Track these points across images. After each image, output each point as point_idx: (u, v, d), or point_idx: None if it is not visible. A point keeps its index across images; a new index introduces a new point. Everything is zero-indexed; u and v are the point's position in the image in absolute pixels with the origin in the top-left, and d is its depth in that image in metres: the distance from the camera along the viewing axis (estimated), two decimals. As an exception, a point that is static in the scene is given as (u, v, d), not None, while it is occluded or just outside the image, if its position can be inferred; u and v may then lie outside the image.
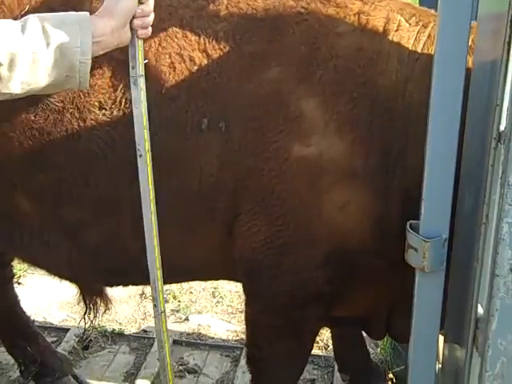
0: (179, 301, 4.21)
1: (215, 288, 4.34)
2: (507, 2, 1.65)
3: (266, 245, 2.24)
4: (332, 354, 3.43)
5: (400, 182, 2.13)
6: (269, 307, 2.40)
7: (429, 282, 1.94)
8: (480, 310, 1.86)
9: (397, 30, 2.21)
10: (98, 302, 2.99)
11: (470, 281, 1.91)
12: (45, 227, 2.40)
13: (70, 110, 2.23)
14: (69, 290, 4.19)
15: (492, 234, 1.74)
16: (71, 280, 2.84)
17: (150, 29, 2.00)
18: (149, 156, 2.07)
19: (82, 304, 3.69)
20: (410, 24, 2.22)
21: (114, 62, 2.18)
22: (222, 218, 2.28)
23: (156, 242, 2.17)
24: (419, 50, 2.16)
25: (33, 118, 2.24)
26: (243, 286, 2.46)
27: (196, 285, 4.36)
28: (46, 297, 4.10)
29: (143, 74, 2.03)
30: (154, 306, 2.29)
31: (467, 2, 1.72)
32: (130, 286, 4.02)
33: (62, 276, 2.77)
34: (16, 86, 1.76)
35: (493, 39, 1.79)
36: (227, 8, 2.26)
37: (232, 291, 4.27)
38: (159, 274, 2.23)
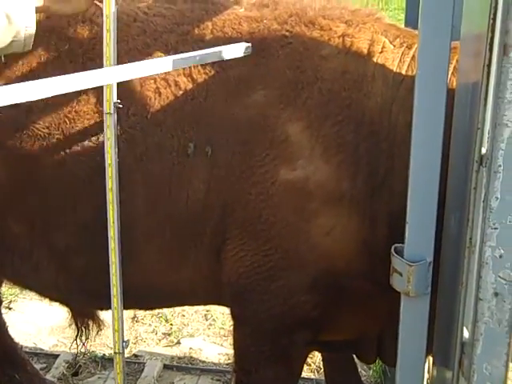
0: (171, 324, 4.20)
1: (207, 311, 4.33)
2: (486, 22, 1.67)
3: (254, 269, 2.26)
4: (323, 377, 3.42)
5: (387, 205, 2.15)
6: (256, 332, 2.41)
7: (413, 307, 1.93)
8: (466, 334, 1.86)
9: (381, 52, 2.25)
10: (90, 325, 3.00)
11: (456, 304, 1.91)
12: (34, 250, 2.44)
13: (56, 136, 2.25)
14: (59, 315, 4.22)
15: (476, 257, 1.74)
16: (61, 302, 2.86)
17: None
18: (113, 192, 2.12)
19: (73, 328, 3.72)
20: (394, 46, 2.26)
21: (99, 88, 2.20)
22: (210, 243, 2.31)
23: (116, 278, 2.19)
24: (404, 72, 2.19)
25: (18, 144, 2.26)
26: (231, 311, 2.49)
27: (188, 307, 4.35)
28: (36, 322, 4.09)
29: (111, 112, 2.07)
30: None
31: (447, 21, 1.74)
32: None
33: (51, 298, 2.81)
34: None
35: (474, 61, 1.81)
36: (212, 32, 2.30)
37: (224, 313, 4.26)
38: (117, 312, 2.25)
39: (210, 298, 2.58)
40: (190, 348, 3.92)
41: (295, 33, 2.26)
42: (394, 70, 2.20)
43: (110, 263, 2.15)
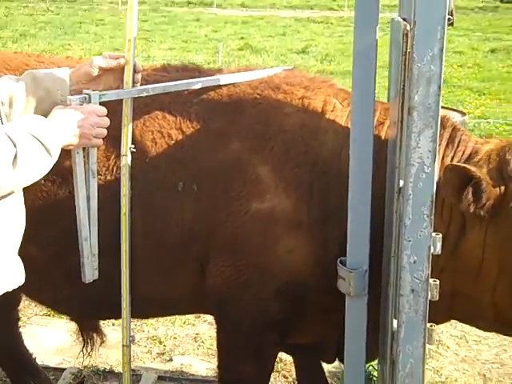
0: (164, 345, 4.64)
1: (197, 334, 4.79)
2: (399, 91, 2.25)
3: (231, 281, 2.75)
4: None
5: (337, 230, 2.61)
6: (233, 333, 2.90)
7: (354, 304, 2.48)
8: (395, 325, 2.38)
9: (332, 111, 2.78)
10: (95, 337, 3.47)
11: (388, 302, 2.46)
12: (51, 270, 2.86)
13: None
14: (63, 337, 4.71)
15: (397, 263, 2.28)
16: (72, 314, 3.33)
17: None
18: (126, 217, 2.63)
19: (77, 346, 4.22)
20: (342, 106, 2.79)
21: (108, 137, 2.69)
22: (196, 261, 2.79)
23: (127, 290, 2.68)
24: (349, 126, 2.72)
25: (43, 182, 2.69)
26: (214, 316, 2.99)
27: (180, 331, 4.84)
28: (43, 344, 4.48)
29: (127, 154, 2.60)
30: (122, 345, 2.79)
31: (371, 90, 2.32)
32: (120, 332, 4.54)
33: (63, 311, 3.29)
34: None
35: (395, 118, 2.39)
36: (198, 95, 2.83)
37: (212, 336, 4.71)
38: (126, 313, 2.72)
39: (197, 306, 3.06)
40: (181, 364, 4.38)
41: (264, 95, 2.80)
42: (343, 124, 2.72)
43: (122, 274, 2.64)
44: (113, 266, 2.67)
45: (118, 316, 2.88)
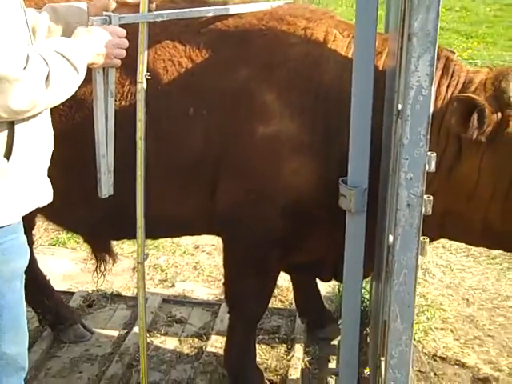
0: (166, 273, 4.87)
1: (196, 262, 5.03)
2: (399, 20, 2.42)
3: (239, 201, 2.96)
4: (294, 308, 4.18)
5: (338, 151, 2.80)
6: (239, 248, 3.13)
7: (355, 220, 2.69)
8: (390, 239, 2.59)
9: (334, 41, 2.95)
10: (107, 258, 3.67)
11: (385, 219, 2.67)
12: (70, 191, 3.02)
13: (89, 99, 2.82)
14: (70, 266, 4.93)
15: (395, 180, 2.47)
16: (89, 236, 3.55)
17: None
18: (141, 141, 2.78)
19: (82, 276, 4.48)
20: (343, 36, 2.96)
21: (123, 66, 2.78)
22: (207, 182, 2.98)
23: (141, 209, 2.85)
24: (349, 55, 2.89)
25: (61, 106, 2.70)
26: (222, 236, 3.21)
27: (180, 260, 5.07)
28: (50, 271, 4.58)
29: (143, 81, 2.73)
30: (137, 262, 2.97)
31: (373, 19, 2.48)
32: (124, 262, 4.76)
33: (82, 233, 3.50)
34: None
35: (395, 46, 2.56)
36: (207, 25, 2.99)
37: (211, 265, 4.97)
38: (141, 232, 2.89)
39: (205, 228, 3.28)
40: (183, 289, 4.62)
41: (269, 26, 2.96)
42: (343, 53, 2.90)
43: (137, 195, 2.81)
44: (127, 186, 2.82)
45: (130, 235, 3.08)
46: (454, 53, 6.18)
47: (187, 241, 5.32)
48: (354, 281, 2.83)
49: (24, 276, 2.46)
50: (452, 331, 4.14)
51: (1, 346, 2.39)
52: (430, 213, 2.48)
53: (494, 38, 12.86)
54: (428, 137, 2.35)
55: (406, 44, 2.28)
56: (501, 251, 4.96)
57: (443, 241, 5.21)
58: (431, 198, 2.47)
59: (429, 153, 2.39)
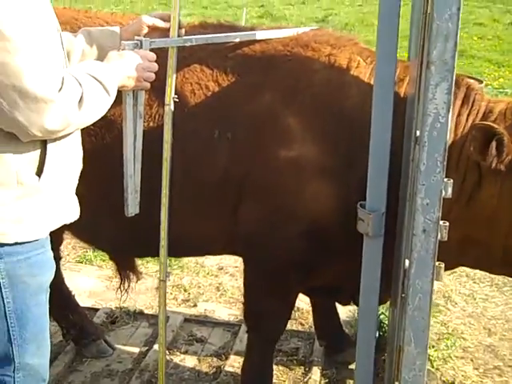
0: (189, 293, 4.93)
1: (219, 284, 5.09)
2: (420, 49, 2.48)
3: (260, 223, 3.03)
4: (313, 331, 4.21)
5: (359, 176, 2.82)
6: (261, 270, 3.18)
7: (371, 244, 2.73)
8: (406, 263, 2.62)
9: (357, 67, 3.02)
10: (131, 275, 3.75)
11: (402, 243, 2.71)
12: (94, 208, 3.01)
13: (118, 120, 2.93)
14: (96, 283, 5.02)
15: (412, 206, 2.52)
16: (113, 252, 3.62)
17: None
18: (167, 162, 2.85)
19: (107, 294, 4.55)
20: (366, 63, 3.03)
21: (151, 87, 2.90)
22: (230, 203, 3.05)
23: (165, 229, 2.91)
24: (372, 81, 2.93)
25: (91, 126, 2.81)
26: (243, 256, 3.26)
27: (203, 281, 5.13)
28: (76, 288, 4.67)
29: (170, 104, 2.81)
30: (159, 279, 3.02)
31: (393, 49, 2.55)
32: (148, 281, 4.83)
33: (107, 249, 3.58)
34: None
35: (415, 75, 2.62)
36: (234, 50, 3.08)
37: (234, 286, 5.02)
38: (164, 251, 2.95)
39: (228, 247, 3.33)
40: (205, 309, 4.67)
41: (294, 52, 3.04)
42: (366, 79, 2.97)
43: (162, 213, 2.87)
44: (152, 205, 2.89)
45: (153, 253, 3.13)
46: (482, 82, 6.25)
47: (211, 262, 5.38)
48: (370, 304, 2.87)
49: (49, 290, 2.53)
50: (472, 360, 4.13)
51: (24, 357, 2.47)
52: (446, 239, 2.50)
53: (526, 68, 12.83)
54: (445, 163, 2.40)
55: (425, 72, 2.34)
56: (525, 281, 5.01)
57: (467, 270, 5.23)
58: (447, 223, 2.50)
59: (445, 179, 2.43)
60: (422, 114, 2.37)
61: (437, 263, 2.49)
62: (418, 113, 2.50)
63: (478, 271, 5.17)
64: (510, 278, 5.04)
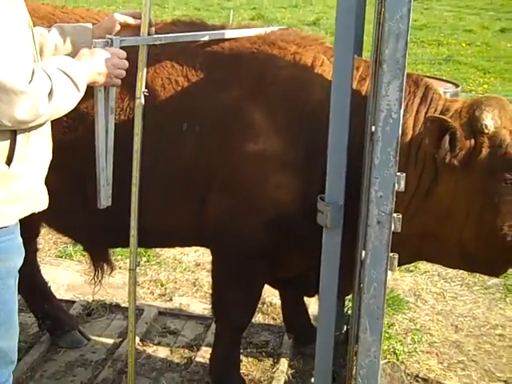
0: (165, 288, 5.00)
1: (196, 279, 5.16)
2: (373, 48, 2.58)
3: (226, 214, 3.13)
4: (283, 324, 4.31)
5: (319, 169, 2.89)
6: (226, 260, 3.28)
7: (330, 236, 2.83)
8: (363, 254, 2.71)
9: (321, 66, 3.13)
10: (105, 266, 3.83)
11: (358, 234, 2.81)
12: (67, 197, 3.16)
13: (91, 113, 2.98)
14: (74, 277, 5.09)
15: (366, 198, 2.61)
16: (86, 242, 3.71)
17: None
18: (137, 153, 2.93)
19: (85, 288, 4.62)
20: (330, 62, 3.12)
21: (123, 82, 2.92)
22: (197, 194, 3.15)
23: (135, 218, 2.98)
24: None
25: (65, 118, 2.80)
26: (210, 247, 3.36)
27: (180, 276, 5.21)
28: (56, 281, 4.84)
29: (140, 97, 2.90)
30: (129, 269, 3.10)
31: (350, 47, 2.65)
32: (126, 275, 4.89)
33: (79, 239, 3.66)
34: None
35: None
36: (203, 47, 3.17)
37: (210, 282, 5.10)
38: (134, 240, 3.03)
39: (196, 239, 3.42)
40: (180, 303, 4.74)
41: (261, 50, 3.15)
42: (329, 78, 3.04)
43: (132, 203, 2.95)
44: (123, 195, 2.96)
45: (125, 244, 3.23)
46: (458, 86, 6.36)
47: (189, 258, 5.47)
48: (330, 294, 2.96)
49: (18, 275, 2.61)
50: (437, 355, 4.23)
51: None
52: (399, 230, 2.60)
53: (512, 74, 12.96)
54: (397, 158, 2.50)
55: (378, 70, 2.44)
56: (495, 280, 5.12)
57: (439, 269, 5.34)
58: (400, 216, 2.59)
59: (398, 173, 2.53)
60: (375, 109, 2.47)
61: (391, 254, 2.58)
62: (372, 109, 2.61)
63: (450, 271, 5.30)
64: (480, 278, 5.19)
